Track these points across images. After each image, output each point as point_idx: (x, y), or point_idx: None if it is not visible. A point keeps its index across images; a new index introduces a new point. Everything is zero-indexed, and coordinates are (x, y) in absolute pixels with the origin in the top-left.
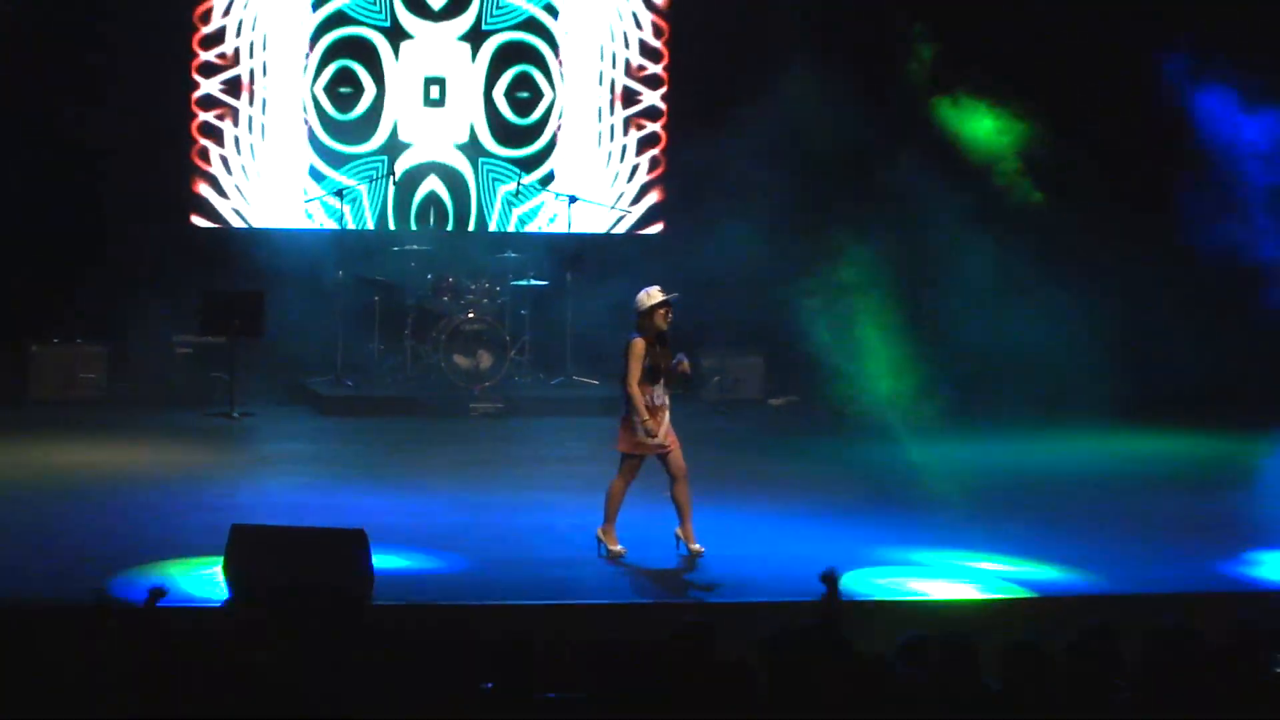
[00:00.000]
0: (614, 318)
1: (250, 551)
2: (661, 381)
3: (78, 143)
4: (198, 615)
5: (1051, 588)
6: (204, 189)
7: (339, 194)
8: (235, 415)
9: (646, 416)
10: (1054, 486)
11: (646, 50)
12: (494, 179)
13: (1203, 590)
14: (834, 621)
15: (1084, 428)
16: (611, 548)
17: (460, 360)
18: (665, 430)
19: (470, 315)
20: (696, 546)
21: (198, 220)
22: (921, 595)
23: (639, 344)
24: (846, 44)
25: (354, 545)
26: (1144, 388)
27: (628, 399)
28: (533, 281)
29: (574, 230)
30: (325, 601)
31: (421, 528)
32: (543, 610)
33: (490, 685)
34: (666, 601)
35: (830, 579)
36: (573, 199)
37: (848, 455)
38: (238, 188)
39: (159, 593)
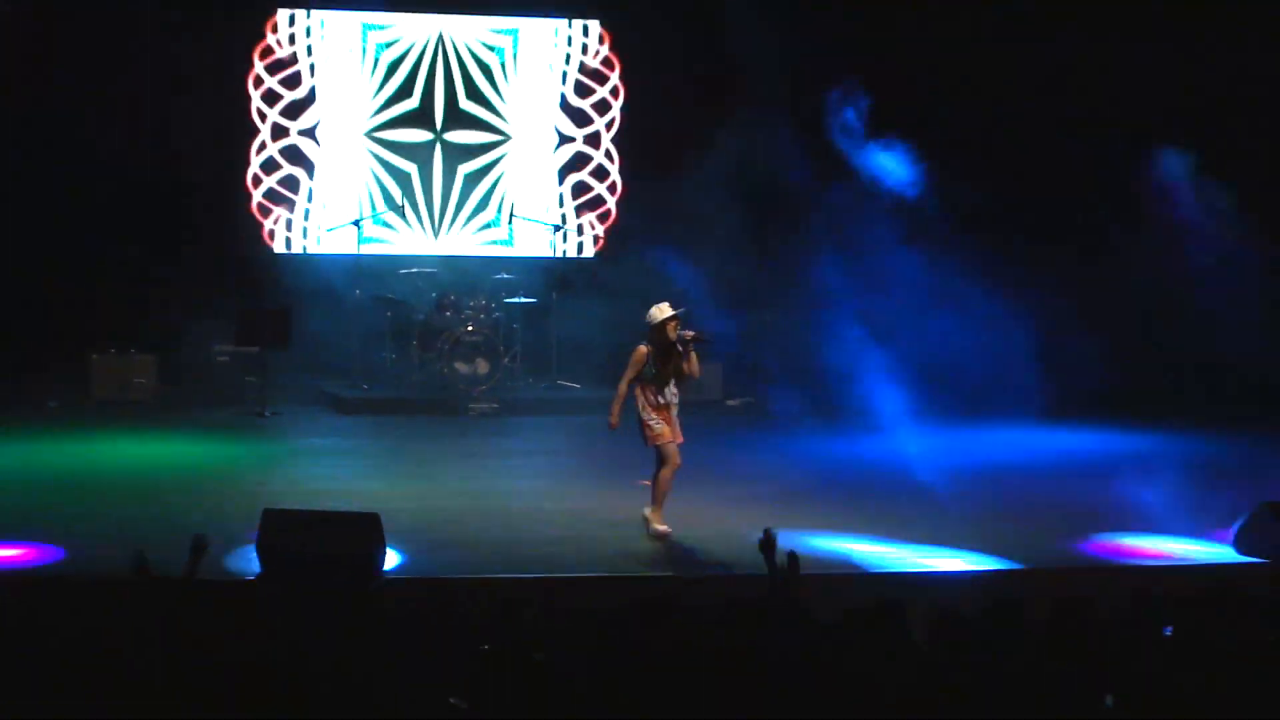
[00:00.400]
0: (593, 329)
1: (280, 531)
2: (671, 382)
3: (127, 179)
4: (235, 587)
5: (971, 562)
6: (244, 219)
7: (356, 224)
8: (266, 414)
9: (614, 411)
10: (979, 476)
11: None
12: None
13: (1101, 564)
14: (786, 589)
15: (1007, 425)
16: (658, 528)
17: (461, 367)
18: (676, 426)
19: (469, 328)
20: (663, 528)
21: (237, 247)
22: (859, 569)
23: (640, 351)
24: (784, 87)
25: (369, 526)
26: (1061, 389)
27: (626, 397)
28: (523, 299)
29: (558, 255)
30: (344, 575)
31: (427, 511)
32: (533, 582)
33: (486, 647)
34: (641, 574)
35: (768, 542)
36: (557, 227)
37: (795, 449)
38: (279, 219)
39: (201, 543)
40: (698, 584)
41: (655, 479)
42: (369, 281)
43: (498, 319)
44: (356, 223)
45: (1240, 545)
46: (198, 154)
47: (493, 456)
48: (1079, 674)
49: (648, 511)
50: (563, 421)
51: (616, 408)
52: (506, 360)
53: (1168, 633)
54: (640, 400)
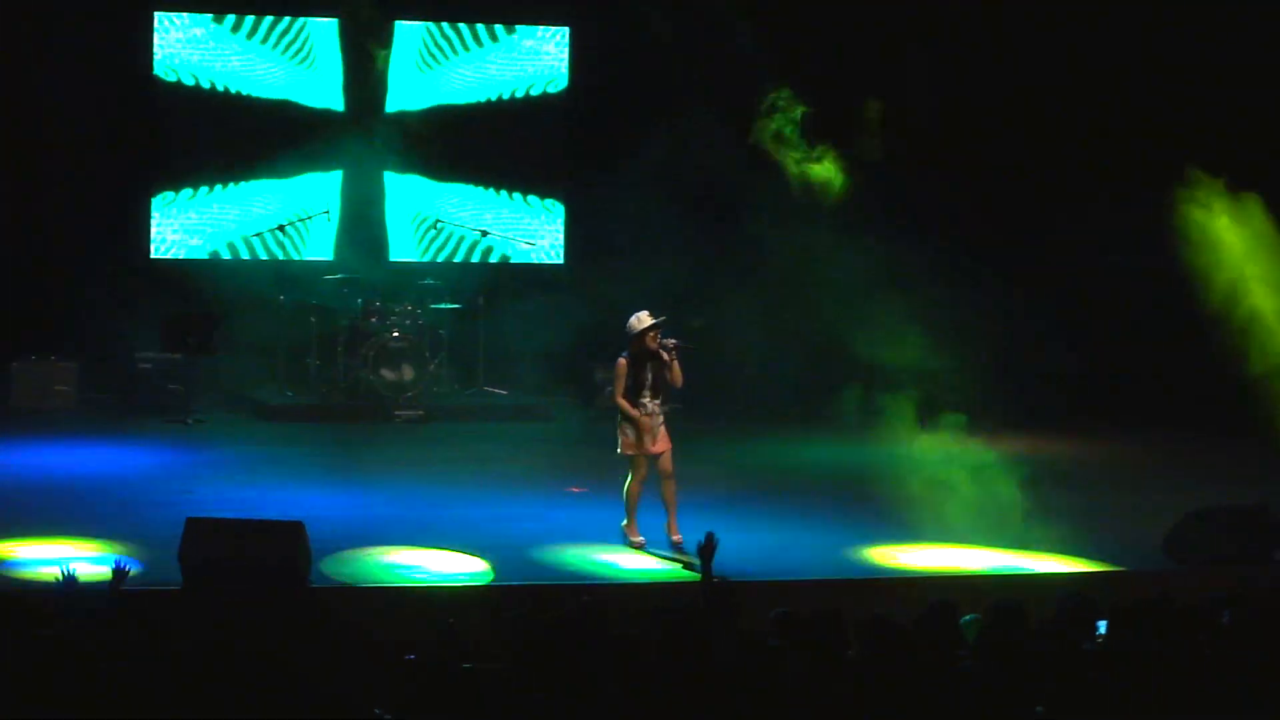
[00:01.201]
0: (520, 335)
1: (203, 541)
2: (648, 392)
3: (53, 183)
4: (157, 597)
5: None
6: (165, 223)
7: (280, 229)
8: (190, 422)
9: (635, 415)
10: (907, 480)
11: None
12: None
13: (1030, 572)
14: (716, 597)
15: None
16: (632, 539)
17: (386, 373)
18: (657, 436)
19: (395, 334)
20: (677, 537)
21: (158, 252)
22: (789, 575)
23: (621, 364)
24: (720, 90)
25: (294, 535)
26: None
27: (618, 409)
28: (449, 305)
29: (484, 260)
30: (269, 584)
31: (353, 520)
32: (460, 590)
33: (414, 656)
34: (568, 583)
35: (708, 547)
36: (483, 233)
37: (723, 455)
38: (195, 223)
39: (122, 572)
40: (627, 591)
41: (625, 492)
42: (294, 287)
43: (423, 325)
44: (281, 227)
45: (1169, 552)
46: (116, 152)
47: (418, 464)
48: (1011, 682)
49: (623, 526)
50: (488, 428)
51: (633, 412)
52: (432, 367)
53: (1099, 640)
54: (628, 407)
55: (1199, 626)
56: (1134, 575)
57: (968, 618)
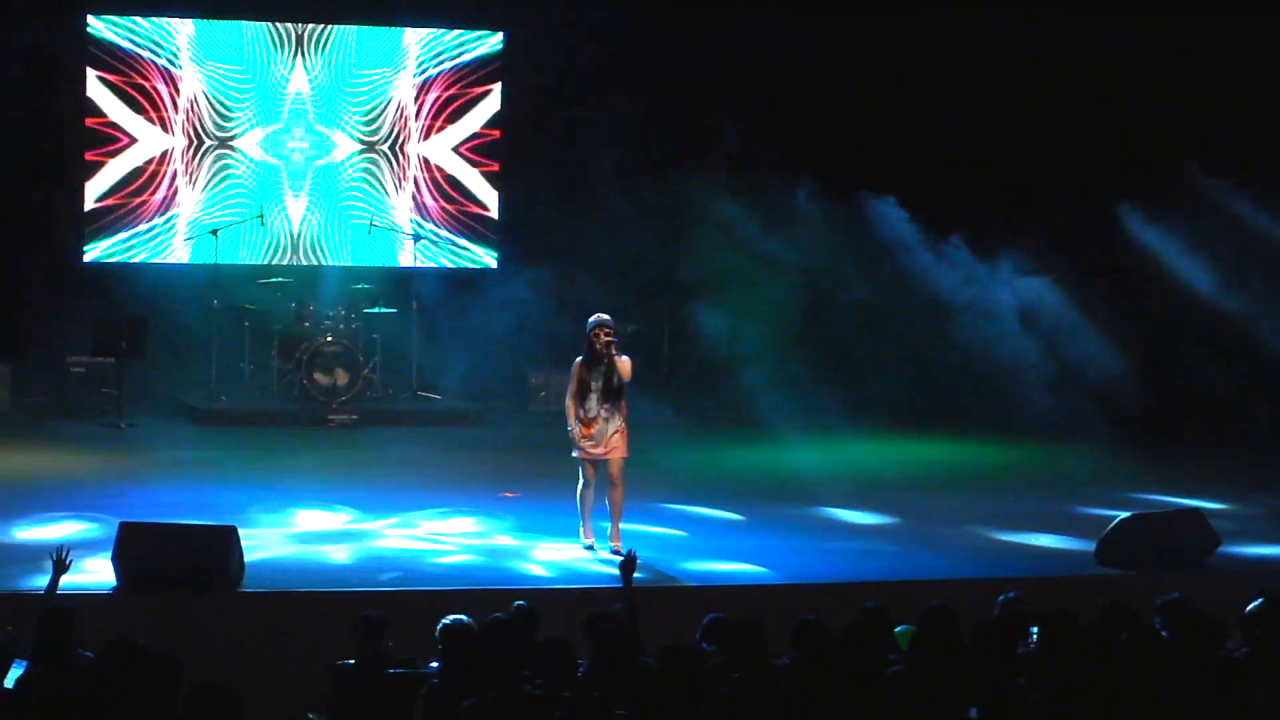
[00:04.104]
0: (454, 339)
1: (137, 545)
2: (594, 396)
3: None
4: (91, 600)
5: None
6: (97, 226)
7: (214, 233)
8: (122, 426)
9: (572, 425)
10: (842, 486)
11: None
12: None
13: (964, 576)
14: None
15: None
16: (581, 539)
17: (320, 378)
18: (603, 440)
19: (329, 338)
20: (616, 544)
21: (90, 254)
22: (721, 581)
23: (576, 365)
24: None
25: (227, 539)
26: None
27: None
28: (382, 309)
29: (418, 265)
30: (202, 589)
31: (285, 523)
32: (393, 595)
33: (352, 661)
34: (499, 588)
35: (628, 564)
36: (417, 237)
37: (649, 459)
38: (127, 225)
39: (62, 560)
40: (560, 596)
41: (576, 493)
42: (226, 291)
43: (357, 329)
44: (214, 231)
45: (1102, 556)
46: (48, 156)
47: (352, 468)
48: (944, 686)
49: (608, 529)
50: (421, 433)
51: (572, 420)
52: (366, 371)
53: (1031, 645)
54: (571, 412)
55: (1131, 631)
56: (1067, 581)
57: (900, 628)
